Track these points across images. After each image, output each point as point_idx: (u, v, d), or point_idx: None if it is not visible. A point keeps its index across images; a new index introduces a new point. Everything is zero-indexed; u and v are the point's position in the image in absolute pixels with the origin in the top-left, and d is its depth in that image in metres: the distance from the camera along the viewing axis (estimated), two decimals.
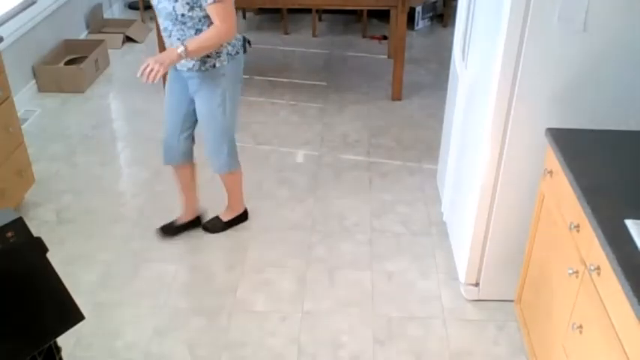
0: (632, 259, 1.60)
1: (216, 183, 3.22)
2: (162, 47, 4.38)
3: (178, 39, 2.62)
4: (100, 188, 3.57)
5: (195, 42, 2.53)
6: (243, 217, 3.27)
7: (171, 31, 2.64)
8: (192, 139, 3.00)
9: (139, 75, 2.46)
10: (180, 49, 2.50)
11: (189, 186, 3.16)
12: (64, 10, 5.02)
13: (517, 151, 2.40)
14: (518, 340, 2.59)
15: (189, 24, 2.58)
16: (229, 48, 2.69)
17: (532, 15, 2.13)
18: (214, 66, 2.68)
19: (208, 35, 2.55)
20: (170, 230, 3.21)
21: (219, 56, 2.67)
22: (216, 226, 3.22)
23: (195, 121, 2.93)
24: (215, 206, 3.28)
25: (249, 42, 2.83)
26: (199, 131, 2.93)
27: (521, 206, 2.50)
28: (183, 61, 2.63)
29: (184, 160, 3.02)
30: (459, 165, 2.91)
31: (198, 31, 2.59)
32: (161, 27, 2.69)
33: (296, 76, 4.89)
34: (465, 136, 2.80)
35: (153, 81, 2.44)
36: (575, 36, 2.15)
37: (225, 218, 3.23)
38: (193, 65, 2.68)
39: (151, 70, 2.44)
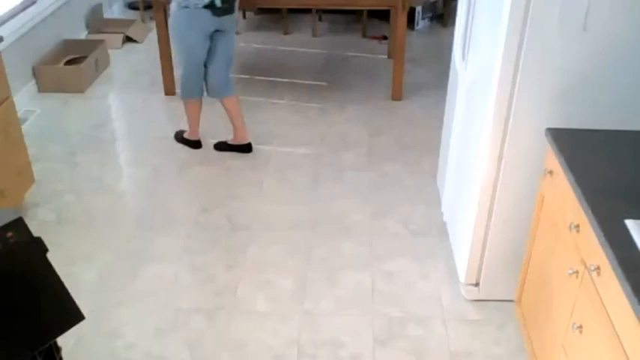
0: (632, 259, 1.60)
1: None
2: (163, 46, 4.40)
3: None
4: (100, 188, 3.57)
5: None
6: (193, 143, 3.93)
7: None
8: (208, 75, 3.68)
9: None
10: None
11: (229, 115, 3.81)
12: (64, 10, 5.02)
13: (517, 151, 2.40)
14: (518, 340, 2.59)
15: None
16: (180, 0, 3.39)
17: (532, 15, 2.13)
18: (169, 7, 3.48)
19: None
20: (221, 146, 3.89)
21: (171, 2, 3.46)
22: (176, 137, 4.01)
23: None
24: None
25: (219, 7, 3.39)
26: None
27: (521, 206, 2.50)
28: None
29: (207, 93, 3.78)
30: (459, 165, 2.91)
31: None
32: None
33: (296, 76, 4.89)
34: (465, 136, 2.80)
35: None
36: (575, 36, 2.15)
37: (185, 135, 3.96)
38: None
39: None
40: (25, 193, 3.37)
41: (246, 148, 3.86)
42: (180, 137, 3.99)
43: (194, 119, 3.86)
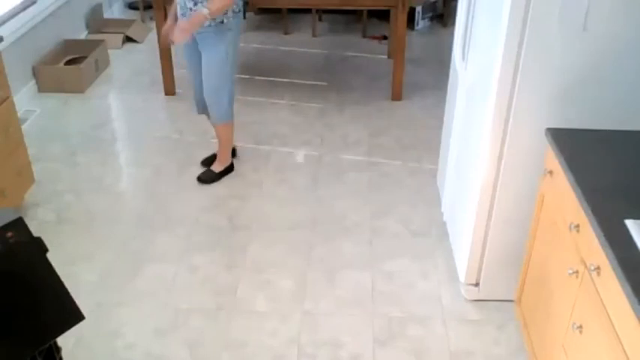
0: (632, 259, 1.60)
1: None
2: (163, 46, 4.39)
3: (195, 3, 3.04)
4: (100, 188, 3.57)
5: (215, 4, 3.00)
6: (230, 168, 3.66)
7: None
8: None
9: (172, 39, 3.12)
10: (205, 11, 3.00)
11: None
12: (64, 10, 5.02)
13: (517, 151, 2.40)
14: (518, 340, 2.59)
15: None
16: (234, 6, 3.15)
17: (532, 15, 2.13)
18: (222, 22, 3.12)
19: None
20: (207, 161, 3.69)
21: (225, 13, 3.11)
22: (210, 177, 3.59)
23: None
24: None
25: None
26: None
27: (521, 206, 2.50)
28: None
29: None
30: (459, 165, 2.91)
31: None
32: None
33: (296, 76, 4.89)
34: (465, 136, 2.80)
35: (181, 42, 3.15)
36: (575, 36, 2.15)
37: (216, 170, 3.61)
38: (208, 23, 3.09)
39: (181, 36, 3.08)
40: (25, 193, 3.37)
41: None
42: (215, 176, 3.60)
43: (231, 141, 3.62)
